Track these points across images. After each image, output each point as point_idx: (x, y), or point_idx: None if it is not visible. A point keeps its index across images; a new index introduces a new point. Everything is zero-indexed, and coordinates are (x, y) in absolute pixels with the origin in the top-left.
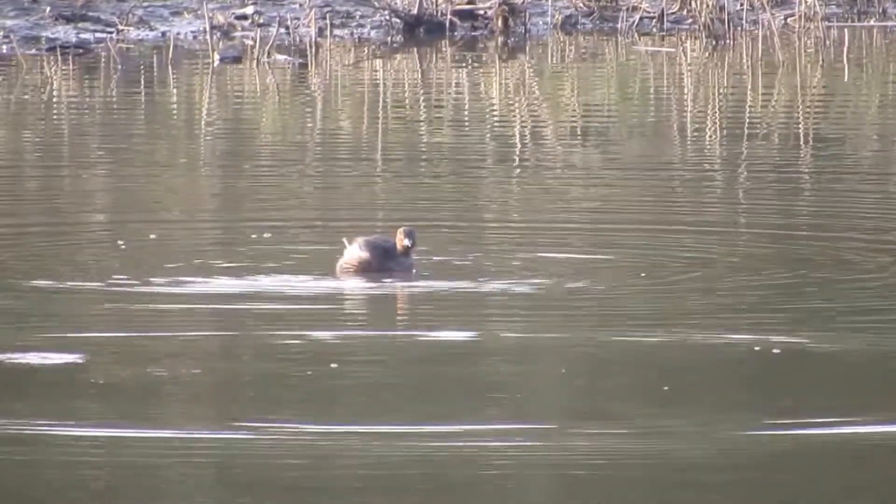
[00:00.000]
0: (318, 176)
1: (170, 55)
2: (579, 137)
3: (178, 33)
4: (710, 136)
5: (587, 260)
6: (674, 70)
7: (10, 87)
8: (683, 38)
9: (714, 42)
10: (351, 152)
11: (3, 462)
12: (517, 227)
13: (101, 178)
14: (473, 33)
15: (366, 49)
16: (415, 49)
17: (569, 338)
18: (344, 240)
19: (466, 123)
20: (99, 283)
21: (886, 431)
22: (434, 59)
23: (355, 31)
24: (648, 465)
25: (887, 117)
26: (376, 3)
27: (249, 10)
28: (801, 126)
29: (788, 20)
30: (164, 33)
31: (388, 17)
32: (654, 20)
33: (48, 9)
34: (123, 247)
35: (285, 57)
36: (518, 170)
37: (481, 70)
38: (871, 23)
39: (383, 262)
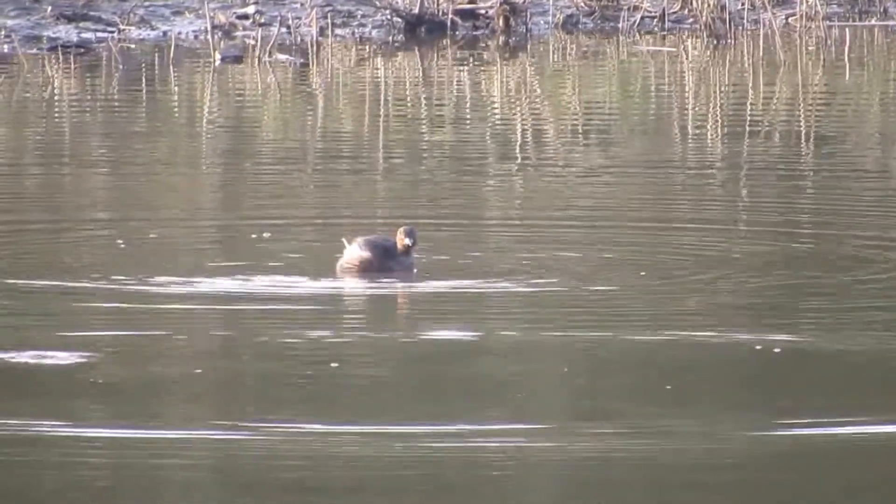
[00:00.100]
0: (318, 175)
1: (171, 55)
2: (580, 137)
3: (180, 33)
4: (712, 136)
5: (588, 259)
6: (675, 69)
7: (11, 87)
8: (685, 37)
9: (715, 41)
10: (352, 152)
11: (4, 462)
12: (518, 227)
13: (101, 178)
14: (475, 33)
15: (367, 48)
16: (416, 48)
17: (570, 337)
18: (343, 239)
19: (467, 123)
20: (98, 283)
21: (888, 431)
22: (435, 58)
23: (356, 30)
24: (649, 464)
25: (888, 116)
26: (377, 3)
27: (251, 9)
28: (802, 125)
29: (790, 19)
30: (165, 33)
31: (389, 17)
32: (656, 19)
33: (49, 8)
34: (123, 246)
35: (286, 56)
36: (519, 169)
37: (482, 69)
38: (873, 22)
39: (384, 261)
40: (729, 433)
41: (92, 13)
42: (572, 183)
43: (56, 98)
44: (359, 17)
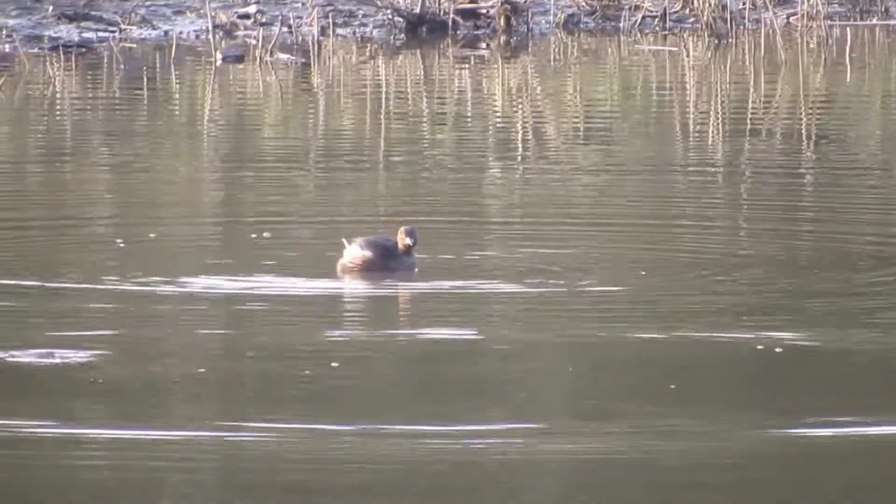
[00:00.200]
0: (319, 175)
1: (172, 54)
2: (581, 136)
3: (181, 32)
4: (713, 135)
5: (589, 258)
6: (676, 69)
7: (13, 86)
8: (686, 36)
9: (716, 41)
10: (353, 151)
11: (4, 462)
12: (519, 226)
13: (102, 177)
14: (476, 32)
15: (368, 48)
16: (417, 48)
17: (570, 336)
18: (343, 240)
19: (468, 122)
20: (98, 283)
21: (889, 431)
22: (436, 58)
23: (358, 30)
24: (650, 464)
25: (889, 116)
26: (379, 2)
27: (252, 9)
28: (803, 125)
29: (791, 19)
30: (166, 32)
31: (390, 16)
32: (657, 19)
33: (51, 8)
34: (122, 245)
35: (288, 56)
36: (520, 168)
37: (484, 69)
38: (874, 21)
39: (385, 261)
40: (730, 433)
41: (93, 13)
42: (573, 182)
43: (57, 98)
44: (360, 16)
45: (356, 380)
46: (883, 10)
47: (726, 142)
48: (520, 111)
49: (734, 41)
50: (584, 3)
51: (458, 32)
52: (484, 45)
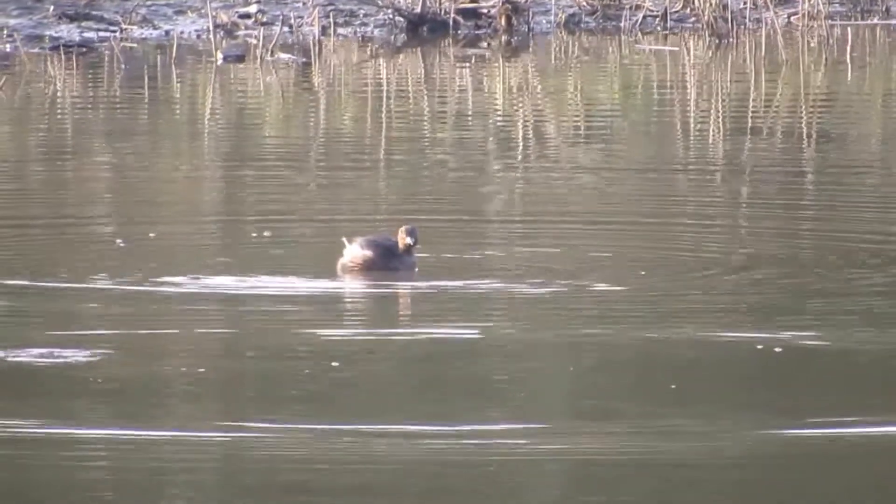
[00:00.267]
0: (320, 174)
1: (173, 54)
2: (582, 136)
3: (182, 32)
4: (713, 135)
5: (590, 257)
6: (677, 69)
7: (14, 86)
8: (687, 36)
9: (717, 40)
10: (353, 151)
11: (4, 462)
12: (520, 225)
13: (103, 177)
14: (477, 32)
15: (369, 48)
16: (418, 48)
17: (571, 336)
18: (343, 239)
19: (469, 122)
20: (98, 282)
21: (890, 431)
22: (437, 57)
23: (359, 29)
24: (651, 464)
25: (890, 115)
26: (380, 2)
27: (253, 8)
28: (804, 124)
29: (792, 18)
30: (167, 32)
31: (391, 16)
32: (658, 19)
33: (52, 7)
34: (122, 245)
35: (289, 56)
36: (521, 168)
37: (484, 69)
38: (875, 21)
39: (386, 260)
40: (730, 433)
41: (94, 12)
42: (573, 182)
43: (58, 97)
44: (361, 16)
45: (356, 379)
46: (884, 9)
47: (727, 141)
48: (520, 110)
49: (735, 41)
50: (584, 3)
51: (459, 32)
52: (485, 44)
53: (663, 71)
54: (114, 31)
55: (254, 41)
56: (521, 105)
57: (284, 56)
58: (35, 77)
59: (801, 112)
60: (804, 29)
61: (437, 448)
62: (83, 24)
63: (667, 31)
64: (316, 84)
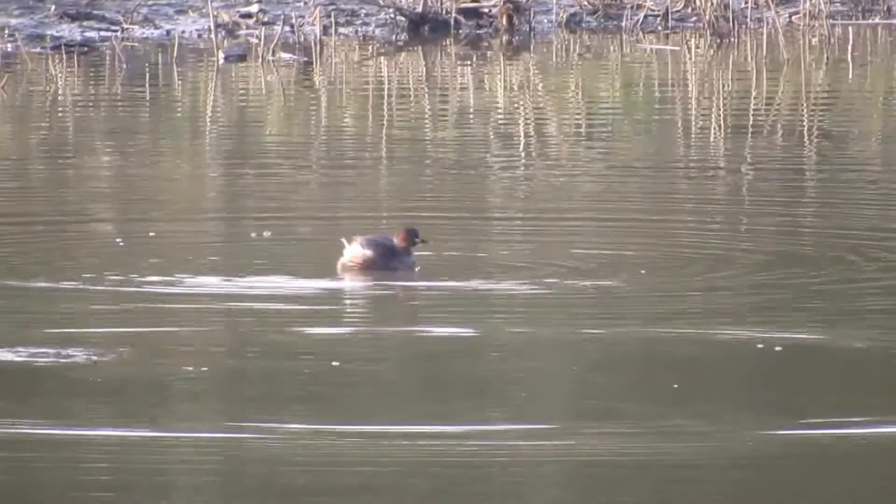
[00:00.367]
0: (321, 174)
1: (174, 53)
2: (583, 135)
3: (183, 31)
4: (714, 134)
5: (591, 256)
6: (678, 68)
7: (15, 85)
8: (688, 35)
9: (719, 40)
10: (355, 150)
11: (4, 462)
12: (521, 224)
13: (104, 176)
14: (478, 31)
15: (370, 47)
16: (419, 47)
17: (572, 335)
18: (343, 239)
19: (471, 121)
20: (99, 282)
21: (891, 431)
22: (439, 57)
23: (360, 29)
24: (652, 464)
25: (891, 114)
26: (381, 2)
27: (254, 8)
28: (805, 123)
29: (793, 18)
30: (168, 31)
31: (392, 15)
32: (659, 18)
33: (53, 7)
34: (122, 244)
35: (290, 55)
36: (522, 167)
37: (486, 68)
38: (876, 20)
39: (386, 259)
40: (731, 433)
41: (95, 12)
42: (574, 181)
43: (59, 96)
44: (362, 15)
45: (356, 379)
46: (885, 8)
47: (728, 140)
48: (522, 110)
49: (736, 40)
50: (586, 2)
51: (461, 31)
52: (486, 44)
53: (664, 70)
54: (115, 31)
55: (255, 41)
56: (522, 104)
57: (286, 55)
58: (36, 76)
59: (803, 111)
60: (805, 28)
61: (438, 448)
62: (84, 23)
63: (668, 31)
64: (317, 83)
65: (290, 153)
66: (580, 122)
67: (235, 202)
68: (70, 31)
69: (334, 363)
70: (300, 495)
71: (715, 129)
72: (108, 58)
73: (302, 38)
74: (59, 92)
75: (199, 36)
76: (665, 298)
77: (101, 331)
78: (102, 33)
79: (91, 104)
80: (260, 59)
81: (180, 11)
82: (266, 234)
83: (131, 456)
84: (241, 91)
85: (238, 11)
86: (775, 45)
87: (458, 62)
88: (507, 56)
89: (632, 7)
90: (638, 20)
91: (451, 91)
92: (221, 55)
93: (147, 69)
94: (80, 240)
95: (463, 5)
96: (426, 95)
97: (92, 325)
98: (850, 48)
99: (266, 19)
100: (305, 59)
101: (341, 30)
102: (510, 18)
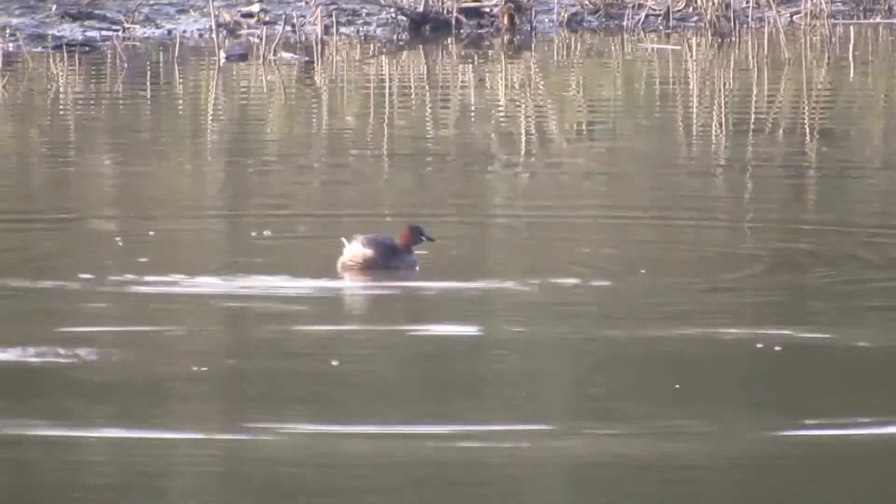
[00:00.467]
0: (322, 173)
1: (176, 53)
2: (585, 134)
3: (184, 31)
4: (716, 134)
5: (592, 255)
6: (679, 67)
7: (16, 85)
8: (689, 35)
9: (720, 39)
10: (356, 150)
11: (4, 462)
12: (522, 224)
13: (105, 176)
14: (479, 31)
15: (372, 47)
16: (421, 46)
17: (572, 335)
18: (343, 239)
19: (472, 121)
20: (98, 282)
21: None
22: (440, 56)
23: (361, 28)
24: (652, 464)
25: (893, 114)
26: (382, 1)
27: (255, 7)
28: (806, 123)
29: (794, 17)
30: (170, 31)
31: (394, 15)
32: (660, 17)
33: (54, 7)
34: (122, 244)
35: (291, 55)
36: (523, 166)
37: (487, 67)
38: (877, 20)
39: (387, 259)
40: (732, 433)
41: (97, 11)
42: (575, 180)
43: (61, 96)
44: (364, 15)
45: (357, 379)
46: (886, 8)
47: (729, 139)
48: (523, 109)
49: (738, 40)
50: (587, 2)
51: (462, 31)
52: (487, 43)
53: (666, 69)
54: (116, 31)
55: (256, 40)
56: (523, 104)
57: (287, 55)
58: (38, 76)
59: (804, 110)
60: (807, 28)
61: (438, 448)
62: (86, 23)
63: (669, 30)
64: (318, 83)
65: (291, 152)
66: (581, 121)
67: (236, 201)
68: (71, 31)
69: (334, 363)
70: (300, 495)
71: (716, 128)
72: (109, 57)
73: (303, 38)
74: (61, 91)
75: (201, 35)
76: (665, 298)
77: (102, 330)
78: (104, 33)
79: (92, 103)
80: (261, 59)
81: (181, 11)
82: (266, 233)
83: (131, 456)
84: (242, 90)
85: (239, 11)
86: (776, 45)
87: (460, 62)
88: (509, 55)
89: (633, 6)
90: (639, 20)
91: (452, 90)
92: (223, 55)
93: (148, 69)
94: (81, 239)
95: (464, 5)
96: (427, 94)
97: (92, 324)
98: (851, 47)
99: (267, 19)
100: (307, 58)
101: (342, 29)
102: (511, 18)
